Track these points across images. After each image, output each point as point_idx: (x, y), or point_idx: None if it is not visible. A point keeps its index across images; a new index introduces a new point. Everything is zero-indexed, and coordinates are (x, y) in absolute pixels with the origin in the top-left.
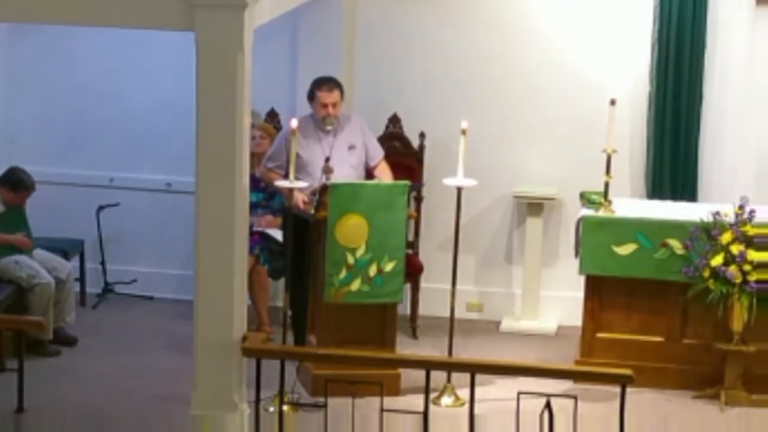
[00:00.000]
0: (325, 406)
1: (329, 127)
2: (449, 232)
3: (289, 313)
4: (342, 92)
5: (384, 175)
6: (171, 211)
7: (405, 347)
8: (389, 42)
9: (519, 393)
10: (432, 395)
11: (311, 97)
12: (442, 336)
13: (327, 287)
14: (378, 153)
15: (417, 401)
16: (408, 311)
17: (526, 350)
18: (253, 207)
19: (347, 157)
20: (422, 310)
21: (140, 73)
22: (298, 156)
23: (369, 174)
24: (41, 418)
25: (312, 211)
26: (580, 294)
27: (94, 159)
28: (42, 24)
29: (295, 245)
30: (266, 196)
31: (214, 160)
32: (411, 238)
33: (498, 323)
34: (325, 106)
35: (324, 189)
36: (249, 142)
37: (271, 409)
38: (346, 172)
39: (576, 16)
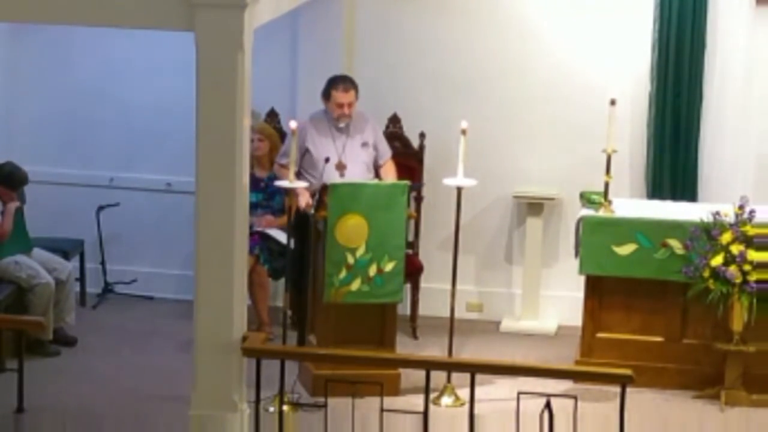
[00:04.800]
0: (325, 406)
1: (342, 125)
2: (449, 232)
3: (289, 313)
4: (357, 91)
5: (389, 174)
6: (171, 211)
7: (405, 347)
8: (389, 42)
9: (519, 393)
10: (432, 395)
11: (326, 95)
12: (442, 336)
13: (327, 287)
14: (387, 152)
15: (417, 401)
16: (408, 311)
17: (526, 350)
18: (253, 207)
19: (360, 154)
20: (422, 310)
21: (140, 73)
22: (309, 152)
23: (376, 172)
24: (41, 418)
25: (312, 211)
26: (580, 294)
27: (94, 159)
28: (42, 24)
29: (296, 244)
30: (266, 196)
31: (214, 160)
32: (411, 238)
33: (498, 323)
34: (340, 106)
35: (324, 189)
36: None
37: (271, 409)
38: (359, 169)
39: (576, 16)
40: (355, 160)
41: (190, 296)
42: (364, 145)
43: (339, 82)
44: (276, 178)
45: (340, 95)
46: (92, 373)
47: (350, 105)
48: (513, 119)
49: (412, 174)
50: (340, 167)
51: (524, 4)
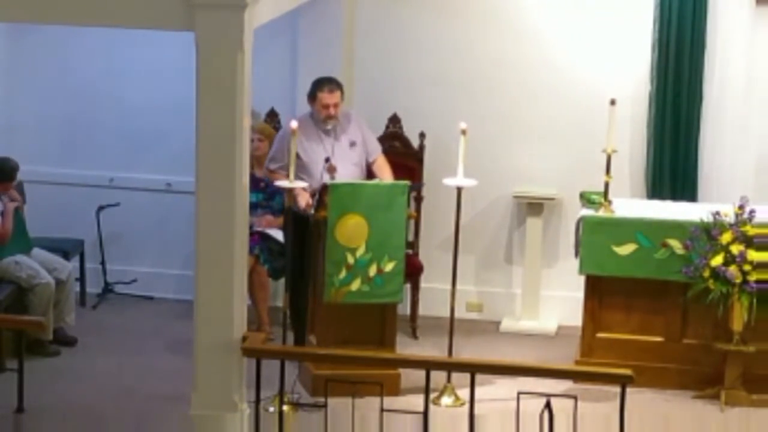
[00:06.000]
0: (325, 406)
1: (329, 127)
2: (449, 232)
3: (289, 313)
4: (342, 92)
5: (383, 171)
6: (171, 211)
7: (405, 347)
8: (389, 42)
9: (519, 393)
10: (432, 395)
11: (312, 97)
12: (442, 336)
13: (327, 287)
14: (376, 148)
15: (417, 401)
16: (408, 311)
17: (526, 350)
18: (253, 207)
19: (349, 155)
20: (422, 310)
21: (140, 73)
22: (298, 157)
23: (368, 170)
24: (41, 418)
25: (312, 212)
26: (580, 294)
27: (94, 159)
28: (42, 24)
29: (296, 244)
30: (266, 196)
31: (214, 160)
32: (411, 238)
33: (498, 323)
34: (326, 107)
35: (324, 189)
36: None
37: (271, 409)
38: (349, 170)
39: (576, 16)
40: (344, 161)
41: (190, 296)
42: (353, 145)
43: (324, 84)
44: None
45: (326, 96)
46: (92, 373)
47: (336, 106)
48: (513, 119)
49: (412, 174)
50: (331, 170)
51: (524, 4)
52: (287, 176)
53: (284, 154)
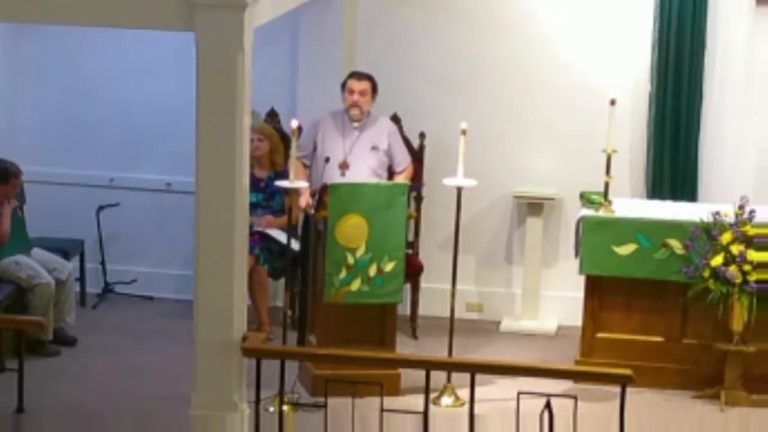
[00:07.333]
0: (325, 406)
1: (356, 124)
2: (449, 232)
3: (289, 313)
4: (374, 86)
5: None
6: (171, 211)
7: (405, 347)
8: (389, 42)
9: (519, 393)
10: (432, 395)
11: (343, 86)
12: (442, 336)
13: (327, 287)
14: (404, 160)
15: (417, 401)
16: (408, 311)
17: (526, 350)
18: (253, 207)
19: (367, 156)
20: (422, 310)
21: (140, 73)
22: (316, 148)
23: (391, 178)
24: (41, 418)
25: (312, 211)
26: (580, 294)
27: (94, 159)
28: (42, 24)
29: (304, 241)
30: (266, 196)
31: (214, 160)
32: (411, 238)
33: (498, 323)
34: (351, 92)
35: (324, 189)
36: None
37: (271, 409)
38: (363, 171)
39: (576, 16)
40: (360, 161)
41: (190, 296)
42: (374, 148)
43: (355, 73)
44: (279, 176)
45: (353, 82)
46: (92, 373)
47: (363, 93)
48: (513, 119)
49: (413, 174)
50: (343, 166)
51: (524, 4)
52: (308, 166)
53: (308, 143)
